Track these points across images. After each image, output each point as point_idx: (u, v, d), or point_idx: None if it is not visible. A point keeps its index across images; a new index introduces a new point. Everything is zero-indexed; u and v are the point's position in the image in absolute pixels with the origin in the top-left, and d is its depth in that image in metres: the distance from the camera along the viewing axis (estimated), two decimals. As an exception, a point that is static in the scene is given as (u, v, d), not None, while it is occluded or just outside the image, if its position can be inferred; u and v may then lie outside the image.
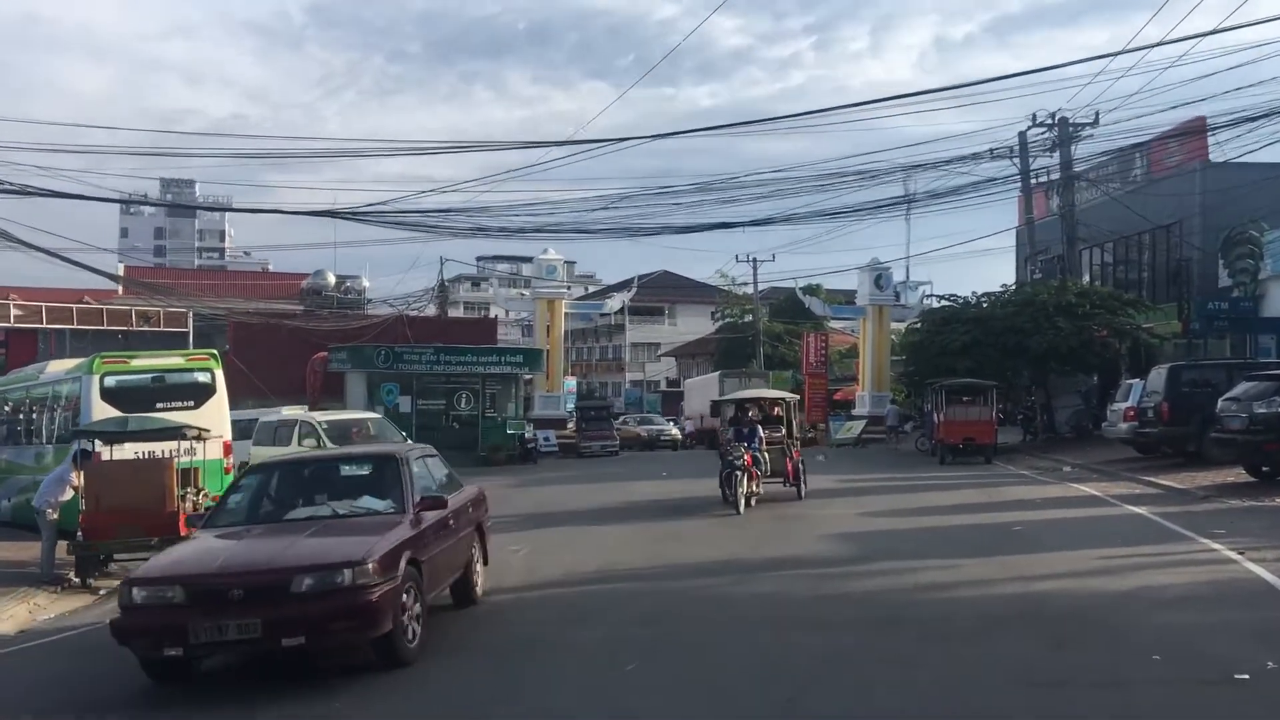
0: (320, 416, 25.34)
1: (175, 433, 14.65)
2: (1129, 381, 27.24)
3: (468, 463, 35.35)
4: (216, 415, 19.22)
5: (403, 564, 8.24)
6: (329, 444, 22.08)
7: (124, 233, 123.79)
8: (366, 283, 57.15)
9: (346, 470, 10.32)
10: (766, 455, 19.20)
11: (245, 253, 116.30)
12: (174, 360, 19.53)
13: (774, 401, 21.63)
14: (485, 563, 11.15)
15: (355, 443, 22.24)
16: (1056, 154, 35.28)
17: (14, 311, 40.68)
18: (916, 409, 40.31)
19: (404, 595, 8.20)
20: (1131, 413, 24.80)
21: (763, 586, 10.95)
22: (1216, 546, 12.17)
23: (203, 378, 19.26)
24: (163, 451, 15.47)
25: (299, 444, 22.92)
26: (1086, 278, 37.74)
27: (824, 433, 43.96)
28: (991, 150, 35.51)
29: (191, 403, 18.82)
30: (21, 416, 21.57)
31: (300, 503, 9.68)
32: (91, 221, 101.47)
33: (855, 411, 45.67)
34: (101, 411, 17.52)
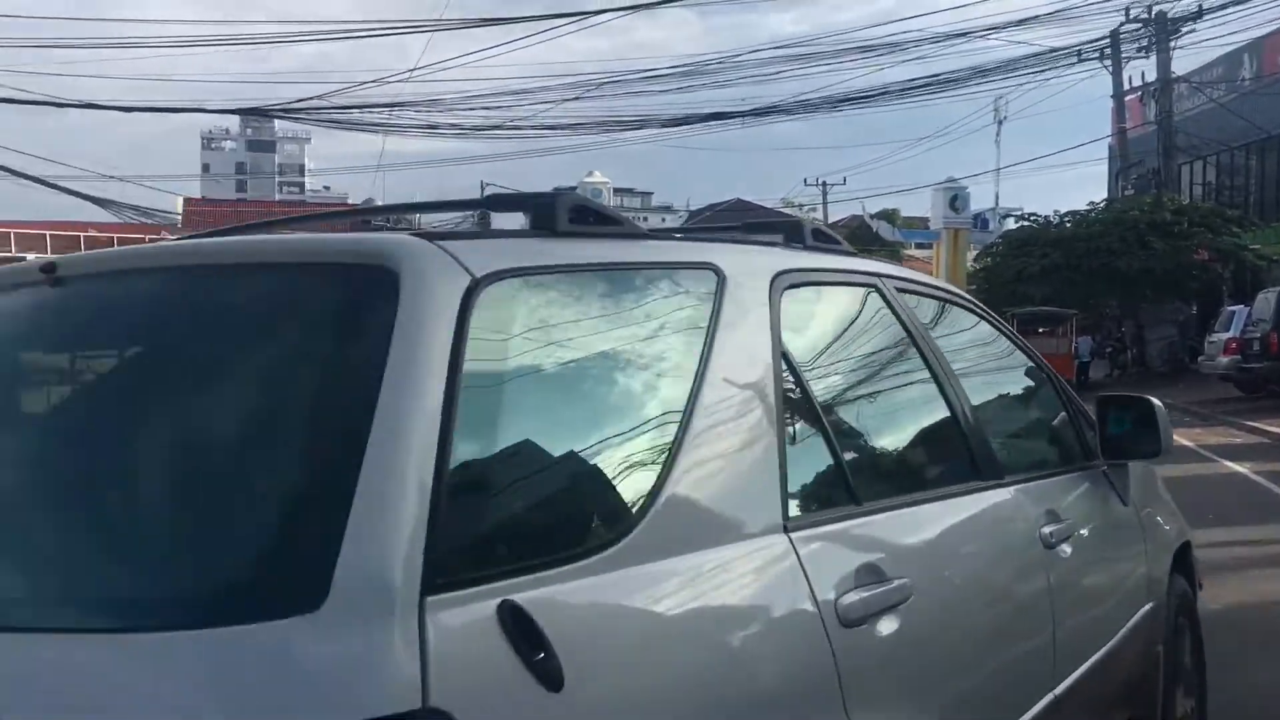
0: None
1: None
2: (1231, 309, 23.63)
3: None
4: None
5: None
6: None
7: (205, 168, 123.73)
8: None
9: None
10: None
11: (325, 187, 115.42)
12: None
13: None
14: None
15: None
16: (1153, 56, 31.44)
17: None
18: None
19: None
20: (1233, 344, 21.31)
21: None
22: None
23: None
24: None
25: None
26: (1187, 197, 33.78)
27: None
28: (1079, 52, 31.80)
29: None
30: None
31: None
32: (180, 158, 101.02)
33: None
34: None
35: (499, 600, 1.52)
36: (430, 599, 1.45)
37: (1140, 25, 30.93)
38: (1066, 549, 3.11)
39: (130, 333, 2.05)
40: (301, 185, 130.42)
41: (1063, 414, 3.76)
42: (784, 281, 2.43)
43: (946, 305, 3.36)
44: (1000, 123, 55.41)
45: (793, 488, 2.16)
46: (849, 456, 2.49)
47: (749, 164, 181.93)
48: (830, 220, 53.95)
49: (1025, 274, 29.33)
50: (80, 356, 2.12)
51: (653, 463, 1.90)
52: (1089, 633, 3.26)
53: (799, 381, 2.37)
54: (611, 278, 2.10)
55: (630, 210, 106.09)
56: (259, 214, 56.43)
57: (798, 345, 2.42)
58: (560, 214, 2.03)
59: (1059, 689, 2.93)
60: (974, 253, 42.71)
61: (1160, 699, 3.83)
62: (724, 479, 2.05)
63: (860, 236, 55.80)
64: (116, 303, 2.06)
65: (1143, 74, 32.60)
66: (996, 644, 2.74)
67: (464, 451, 1.60)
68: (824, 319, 2.74)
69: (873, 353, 2.90)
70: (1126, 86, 33.21)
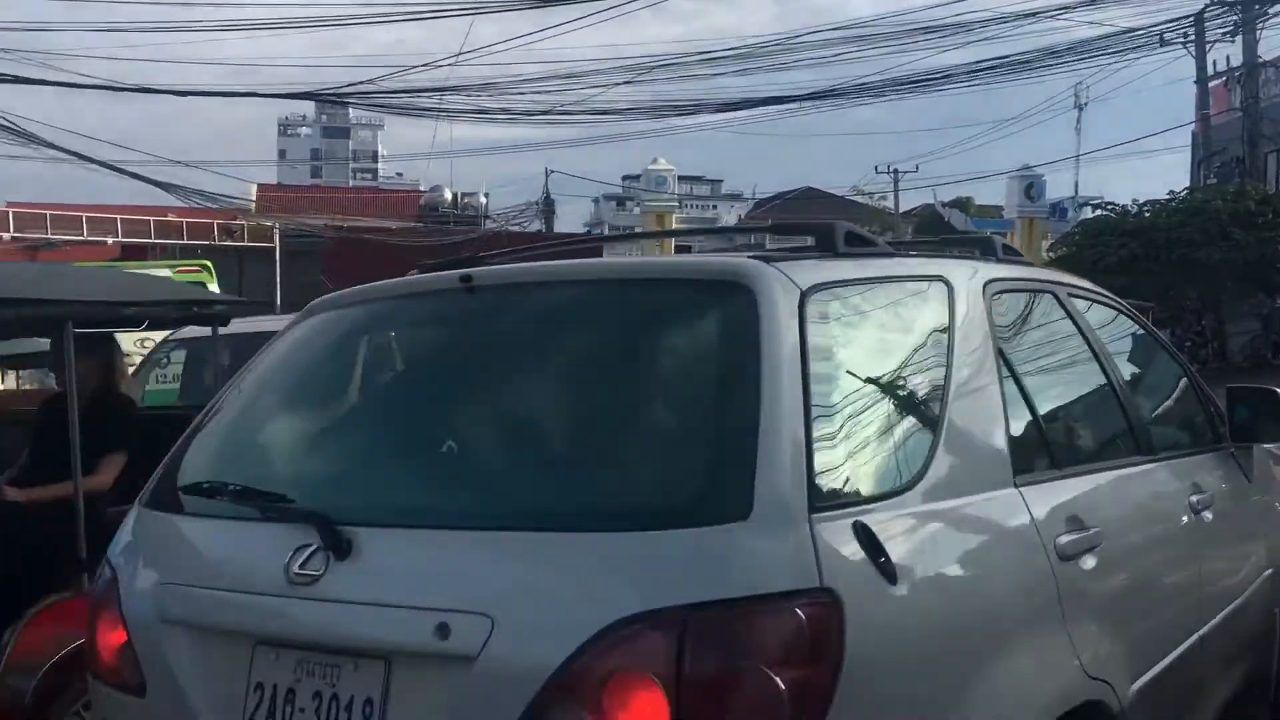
0: None
1: (37, 358, 11.79)
2: (1318, 303, 22.62)
3: (561, 388, 32.68)
4: (211, 335, 16.88)
5: None
6: None
7: (282, 154, 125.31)
8: (484, 198, 54.88)
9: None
10: None
11: (398, 174, 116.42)
12: (160, 273, 17.18)
13: None
14: None
15: None
16: (1240, 38, 30.25)
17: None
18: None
19: None
20: (1320, 341, 20.37)
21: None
22: None
23: (194, 292, 16.88)
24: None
25: None
26: (1273, 187, 32.48)
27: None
28: (1161, 35, 30.68)
29: (182, 321, 16.47)
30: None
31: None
32: (256, 147, 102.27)
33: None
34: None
35: (852, 520, 2.22)
36: (813, 516, 2.15)
37: (1226, 7, 29.75)
38: (1208, 515, 3.75)
39: (548, 330, 2.80)
40: (374, 172, 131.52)
41: (1197, 401, 4.37)
42: (992, 289, 3.09)
43: (1104, 307, 3.98)
44: (1080, 109, 53.89)
45: (1014, 453, 2.80)
46: (1047, 429, 3.11)
47: (818, 150, 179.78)
48: (902, 209, 52.88)
49: (1101, 264, 28.30)
50: (520, 354, 2.82)
51: (928, 430, 2.58)
52: (1224, 587, 3.89)
53: (1011, 369, 2.98)
54: (881, 287, 2.81)
55: (699, 198, 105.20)
56: (331, 200, 56.91)
57: (1005, 340, 3.05)
58: (838, 239, 2.76)
59: (1203, 630, 3.57)
60: (1048, 242, 41.66)
61: (1277, 653, 4.40)
62: (973, 443, 2.72)
63: (931, 225, 54.58)
64: (532, 306, 2.84)
65: (1228, 58, 31.41)
66: (1160, 586, 3.37)
67: (817, 416, 2.27)
68: (1019, 319, 3.34)
69: (1056, 346, 3.50)
70: (1211, 71, 31.99)
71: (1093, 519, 2.91)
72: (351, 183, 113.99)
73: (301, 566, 2.40)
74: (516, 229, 45.04)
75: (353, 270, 41.29)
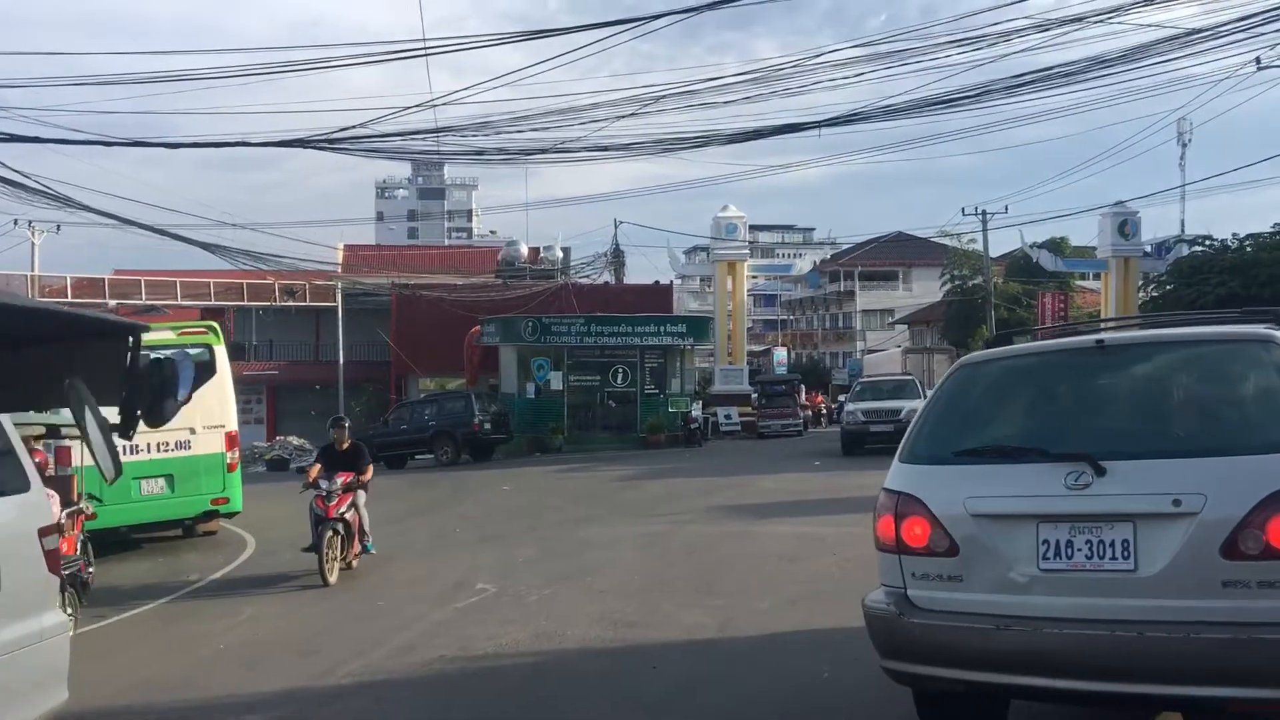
0: None
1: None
2: None
3: (625, 444, 31.74)
4: (216, 400, 15.97)
5: None
6: None
7: (379, 216, 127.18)
8: (559, 252, 54.15)
9: None
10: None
11: (491, 231, 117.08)
12: (163, 335, 16.35)
13: None
14: None
15: None
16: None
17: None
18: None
19: None
20: None
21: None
22: None
23: (199, 355, 16.01)
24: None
25: None
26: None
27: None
28: (1258, 60, 28.52)
29: (185, 385, 15.60)
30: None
31: None
32: (355, 209, 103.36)
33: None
34: (76, 395, 14.56)
35: None
36: None
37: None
38: None
39: (1165, 365, 5.04)
40: (469, 230, 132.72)
41: None
42: None
43: None
44: (1184, 145, 51.33)
45: None
46: None
47: (904, 194, 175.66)
48: (994, 253, 50.61)
49: (1200, 304, 26.23)
50: (1126, 383, 4.99)
51: None
52: None
53: None
54: None
55: (790, 245, 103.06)
56: (409, 258, 56.77)
57: None
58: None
59: None
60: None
61: None
62: None
63: (1022, 268, 52.09)
64: (1149, 354, 5.07)
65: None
66: None
67: None
68: None
69: None
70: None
71: None
72: (446, 241, 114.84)
73: (1075, 480, 4.50)
74: (585, 280, 44.16)
75: (416, 326, 40.04)
